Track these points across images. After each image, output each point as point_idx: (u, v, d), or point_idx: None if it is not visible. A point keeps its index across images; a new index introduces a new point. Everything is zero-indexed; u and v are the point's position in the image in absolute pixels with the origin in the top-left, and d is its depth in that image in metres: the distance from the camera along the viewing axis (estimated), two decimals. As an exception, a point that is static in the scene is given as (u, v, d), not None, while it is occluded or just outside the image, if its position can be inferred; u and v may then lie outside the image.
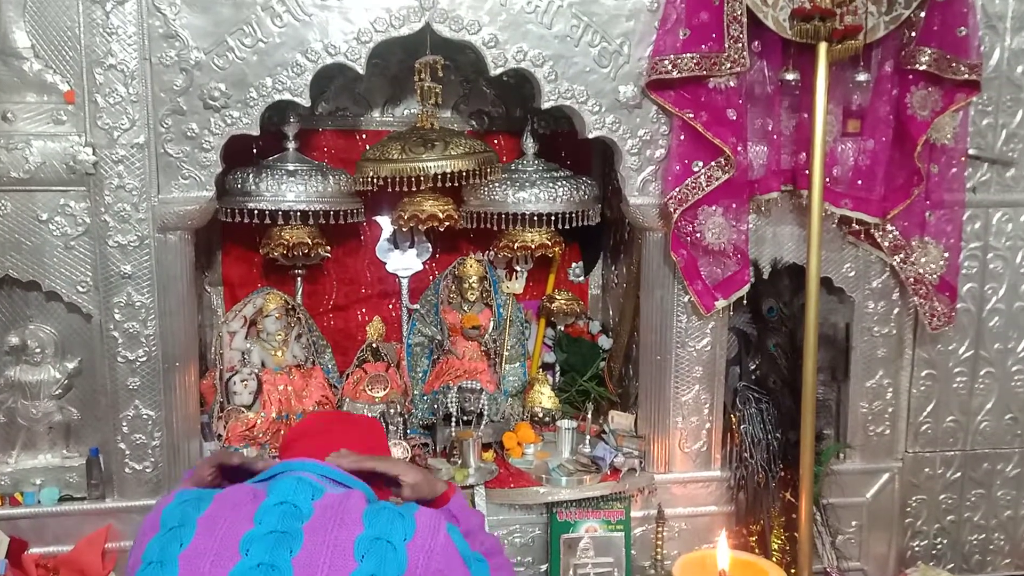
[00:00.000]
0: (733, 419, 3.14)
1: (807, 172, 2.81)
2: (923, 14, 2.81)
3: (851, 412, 3.25)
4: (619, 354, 3.51)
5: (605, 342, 3.65)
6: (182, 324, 2.85)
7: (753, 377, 3.22)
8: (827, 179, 2.88)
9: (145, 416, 2.84)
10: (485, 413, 3.24)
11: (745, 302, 3.05)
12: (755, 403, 3.13)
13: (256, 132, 2.75)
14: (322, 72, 2.75)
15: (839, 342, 3.24)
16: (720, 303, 2.98)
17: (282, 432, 3.10)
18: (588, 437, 3.22)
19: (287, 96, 2.72)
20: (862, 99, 2.96)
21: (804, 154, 2.89)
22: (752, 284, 3.02)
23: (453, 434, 3.17)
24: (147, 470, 2.87)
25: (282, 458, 1.82)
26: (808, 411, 2.80)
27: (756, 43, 2.81)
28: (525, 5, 2.77)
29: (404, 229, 3.43)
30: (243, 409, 3.11)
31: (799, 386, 2.85)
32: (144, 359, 2.81)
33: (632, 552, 3.02)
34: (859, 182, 2.95)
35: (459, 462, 3.05)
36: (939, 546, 3.42)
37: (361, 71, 2.75)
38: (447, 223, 3.26)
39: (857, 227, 3.04)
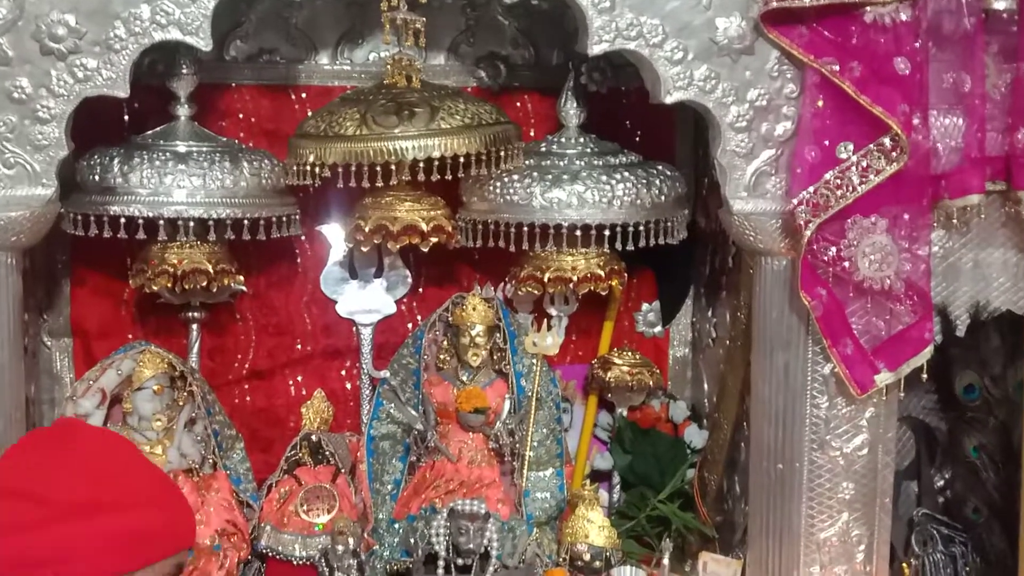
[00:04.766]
0: (906, 570, 3.15)
1: (1031, 162, 2.81)
2: None
3: (1108, 562, 3.22)
4: (718, 458, 3.52)
5: (696, 437, 3.67)
6: (2, 399, 2.91)
7: (941, 500, 3.24)
8: (1066, 173, 2.91)
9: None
10: (494, 553, 3.24)
11: (927, 376, 3.06)
12: (944, 544, 3.15)
13: (126, 93, 2.82)
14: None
15: (1086, 445, 3.22)
16: (884, 377, 2.99)
17: None
18: (664, 596, 3.22)
19: (175, 34, 2.79)
20: None
21: (1026, 131, 2.92)
22: (939, 347, 3.03)
23: (440, 588, 3.18)
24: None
25: None
26: (1032, 560, 2.82)
27: (943, -52, 2.86)
28: None
29: (366, 248, 3.47)
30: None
31: (1017, 517, 2.87)
32: (-63, 457, 2.85)
33: None
34: (1121, 179, 2.96)
35: (449, 635, 3.07)
36: None
37: (295, -9, 2.81)
38: (435, 239, 3.31)
39: (1118, 253, 3.06)
